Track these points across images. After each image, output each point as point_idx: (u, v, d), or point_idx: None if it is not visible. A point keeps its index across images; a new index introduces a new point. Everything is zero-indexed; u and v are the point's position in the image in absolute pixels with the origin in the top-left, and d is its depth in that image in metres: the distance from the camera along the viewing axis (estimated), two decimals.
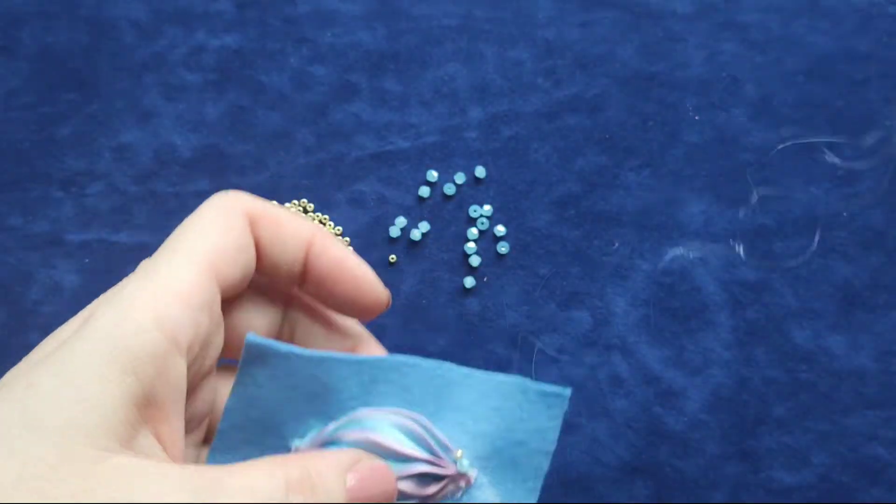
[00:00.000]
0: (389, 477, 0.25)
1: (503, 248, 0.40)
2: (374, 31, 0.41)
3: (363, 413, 0.26)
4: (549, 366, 0.39)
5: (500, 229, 0.40)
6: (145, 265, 0.26)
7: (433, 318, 0.39)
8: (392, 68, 0.41)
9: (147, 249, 0.39)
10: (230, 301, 0.28)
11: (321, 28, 0.41)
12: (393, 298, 0.40)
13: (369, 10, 0.41)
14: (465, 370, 0.27)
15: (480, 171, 0.40)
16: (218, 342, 0.26)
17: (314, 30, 0.41)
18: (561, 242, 0.40)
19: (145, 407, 0.23)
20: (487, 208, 0.40)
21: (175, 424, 0.24)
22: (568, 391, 0.25)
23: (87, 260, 0.39)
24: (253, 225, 0.28)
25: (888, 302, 0.40)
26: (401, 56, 0.41)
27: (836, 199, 0.40)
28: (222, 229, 0.26)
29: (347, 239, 0.40)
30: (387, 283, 0.40)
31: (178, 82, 0.41)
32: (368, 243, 0.40)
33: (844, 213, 0.40)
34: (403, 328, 0.39)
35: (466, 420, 0.26)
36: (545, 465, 0.26)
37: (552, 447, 0.26)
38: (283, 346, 0.26)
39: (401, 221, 0.40)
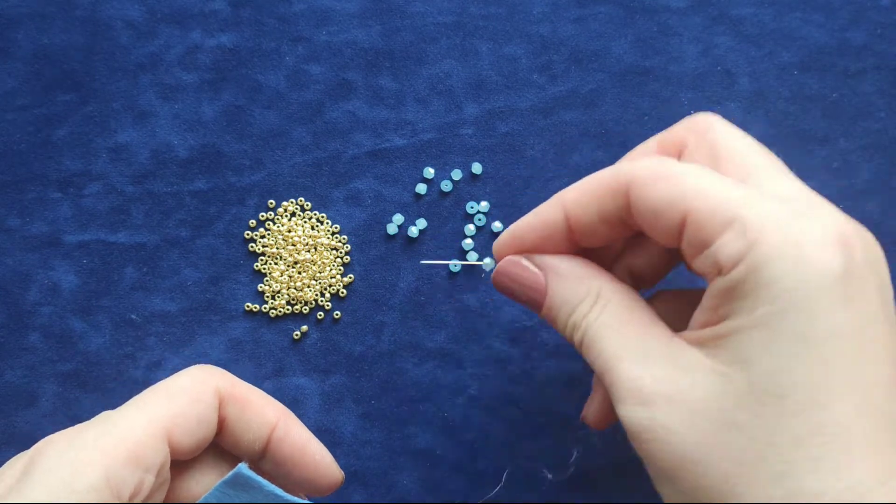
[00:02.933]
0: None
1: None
2: (369, 28, 0.41)
3: None
4: (547, 360, 0.39)
5: (498, 225, 0.40)
6: (106, 417, 0.28)
7: (431, 315, 0.40)
8: (388, 66, 0.41)
9: (145, 249, 0.39)
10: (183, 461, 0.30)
11: (316, 26, 0.41)
12: (390, 295, 0.40)
13: (364, 8, 0.41)
14: None
15: (477, 168, 0.40)
16: (159, 496, 0.28)
17: (309, 28, 0.41)
18: None
19: None
20: (484, 204, 0.40)
21: None
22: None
23: (85, 261, 0.39)
24: (221, 402, 0.30)
25: None
26: (396, 53, 0.41)
27: (832, 192, 0.40)
28: (189, 400, 0.29)
29: (345, 237, 0.40)
30: (384, 280, 0.40)
31: (174, 82, 0.41)
32: (366, 241, 0.40)
33: (840, 206, 0.40)
34: (401, 325, 0.39)
35: None
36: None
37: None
38: (268, 485, 0.29)
39: (398, 219, 0.40)
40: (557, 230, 0.29)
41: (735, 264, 0.24)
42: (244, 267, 0.40)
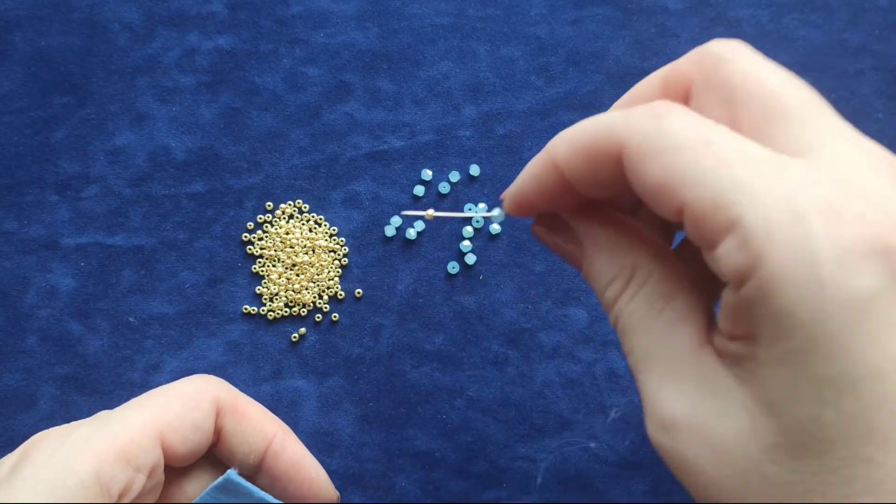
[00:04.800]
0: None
1: (499, 245, 0.40)
2: (366, 30, 0.41)
3: None
4: (545, 362, 0.39)
5: (496, 227, 0.40)
6: (101, 416, 0.28)
7: (429, 317, 0.39)
8: (385, 68, 0.41)
9: (143, 252, 0.39)
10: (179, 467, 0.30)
11: (314, 28, 0.41)
12: (388, 298, 0.40)
13: (362, 10, 0.41)
14: None
15: (475, 170, 0.40)
16: (151, 498, 0.28)
17: (307, 30, 0.41)
18: None
19: None
20: (482, 206, 0.40)
21: None
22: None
23: (82, 263, 0.39)
24: (220, 412, 0.30)
25: None
26: (394, 55, 0.41)
27: None
28: (186, 407, 0.29)
29: (343, 239, 0.40)
30: (383, 282, 0.40)
31: (172, 84, 0.41)
32: (364, 243, 0.40)
33: None
34: (399, 327, 0.39)
35: None
36: None
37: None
38: (257, 491, 0.30)
39: (396, 221, 0.40)
40: (559, 188, 0.25)
41: (742, 281, 0.20)
42: (242, 269, 0.40)
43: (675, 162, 0.21)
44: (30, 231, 0.40)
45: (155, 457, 0.27)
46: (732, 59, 0.23)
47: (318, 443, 0.38)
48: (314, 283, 0.40)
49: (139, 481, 0.27)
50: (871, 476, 0.19)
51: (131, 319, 0.39)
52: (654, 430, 0.22)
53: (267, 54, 0.41)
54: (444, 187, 0.40)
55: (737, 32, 0.41)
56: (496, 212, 0.29)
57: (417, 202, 0.40)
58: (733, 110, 0.22)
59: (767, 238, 0.19)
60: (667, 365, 0.22)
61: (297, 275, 0.40)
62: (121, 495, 0.26)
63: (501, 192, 0.40)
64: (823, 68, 0.41)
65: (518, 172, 0.40)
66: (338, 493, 0.32)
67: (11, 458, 0.27)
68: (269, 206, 0.40)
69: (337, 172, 0.40)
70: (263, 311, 0.39)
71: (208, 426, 0.29)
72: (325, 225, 0.40)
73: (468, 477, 0.38)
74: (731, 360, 0.21)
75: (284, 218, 0.40)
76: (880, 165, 0.21)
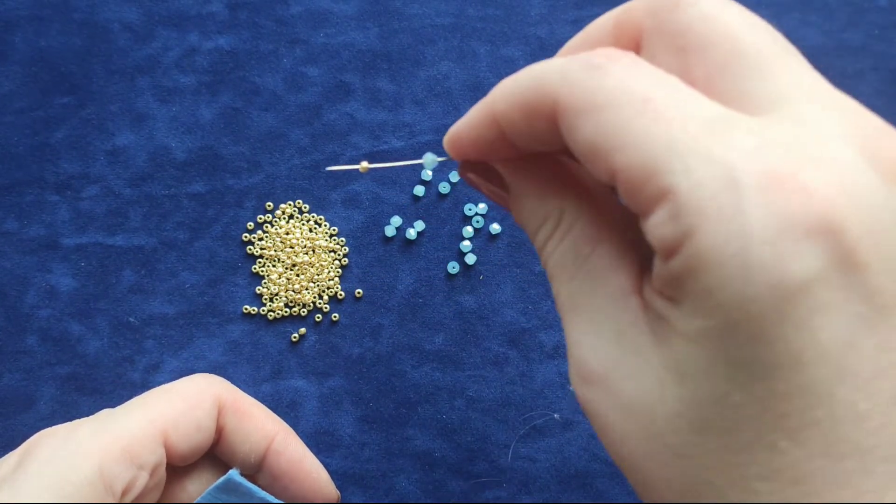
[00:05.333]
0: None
1: (499, 245, 0.40)
2: (366, 30, 0.41)
3: None
4: (546, 362, 0.39)
5: (496, 227, 0.40)
6: (104, 414, 0.28)
7: (429, 317, 0.39)
8: (385, 68, 0.41)
9: (142, 252, 0.39)
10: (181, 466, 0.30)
11: (314, 28, 0.41)
12: (388, 297, 0.40)
13: (362, 10, 0.41)
14: None
15: None
16: (153, 497, 0.28)
17: (307, 30, 0.41)
18: None
19: None
20: (482, 206, 0.40)
21: None
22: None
23: (82, 263, 0.39)
24: (221, 411, 0.30)
25: None
26: (394, 55, 0.41)
27: None
28: (188, 406, 0.29)
29: (343, 239, 0.40)
30: (383, 282, 0.40)
31: (172, 84, 0.41)
32: (364, 243, 0.40)
33: None
34: (399, 327, 0.39)
35: None
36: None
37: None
38: (259, 491, 0.30)
39: (396, 221, 0.40)
40: (498, 140, 0.23)
41: (670, 253, 0.18)
42: (242, 269, 0.40)
43: (606, 121, 0.19)
44: (30, 231, 0.40)
45: (158, 455, 0.27)
46: (689, 3, 0.20)
47: (318, 443, 0.38)
48: (314, 283, 0.40)
49: (142, 479, 0.27)
50: (772, 463, 0.18)
51: (131, 319, 0.39)
52: (575, 381, 0.22)
53: (267, 54, 0.41)
54: (444, 187, 0.40)
55: None
56: (427, 158, 0.27)
57: (417, 202, 0.40)
58: (687, 59, 0.20)
59: (698, 211, 0.17)
60: (589, 315, 0.21)
61: (297, 275, 0.40)
62: (123, 493, 0.26)
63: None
64: (823, 68, 0.41)
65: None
66: (338, 493, 0.32)
67: (14, 455, 0.27)
68: (269, 206, 0.40)
69: (337, 172, 0.40)
70: (263, 311, 0.39)
71: (210, 425, 0.29)
72: (325, 225, 0.40)
73: (468, 477, 0.38)
74: (654, 317, 0.20)
75: (284, 218, 0.40)
76: (849, 128, 0.19)
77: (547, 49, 0.41)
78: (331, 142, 0.41)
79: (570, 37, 0.42)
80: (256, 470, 0.31)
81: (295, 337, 0.39)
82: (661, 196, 0.18)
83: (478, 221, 0.40)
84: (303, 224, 0.40)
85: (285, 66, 0.41)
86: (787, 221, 0.17)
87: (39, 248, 0.39)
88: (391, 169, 0.40)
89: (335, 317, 0.39)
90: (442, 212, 0.40)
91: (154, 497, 0.29)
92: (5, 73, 0.40)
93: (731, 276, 0.17)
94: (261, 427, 0.30)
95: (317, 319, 0.39)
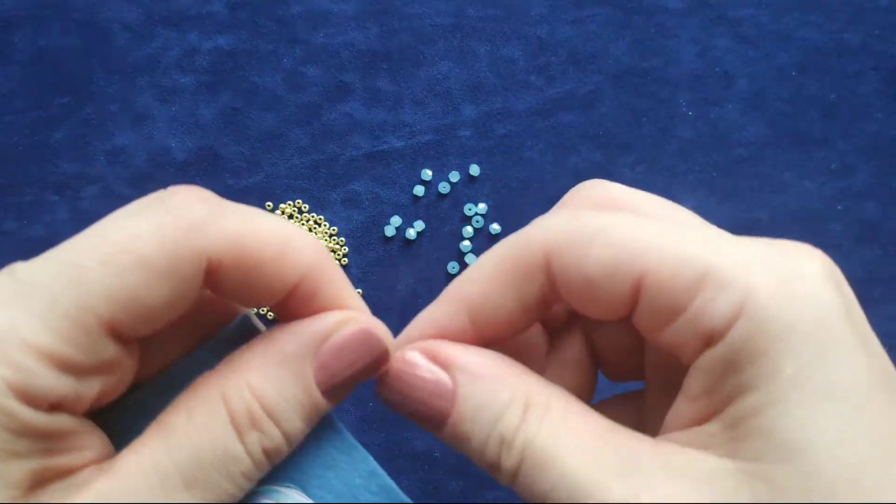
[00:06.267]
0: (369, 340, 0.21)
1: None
2: (366, 30, 0.41)
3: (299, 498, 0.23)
4: None
5: (496, 227, 0.40)
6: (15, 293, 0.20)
7: None
8: (385, 67, 0.41)
9: None
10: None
11: (314, 28, 0.41)
12: (388, 297, 0.40)
13: (361, 10, 0.41)
14: None
15: (475, 170, 0.40)
16: (122, 382, 0.21)
17: (306, 30, 0.41)
18: None
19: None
20: (482, 206, 0.40)
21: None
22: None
23: None
24: (212, 268, 0.21)
25: (883, 295, 0.40)
26: (394, 55, 0.41)
27: (830, 193, 0.40)
28: (149, 277, 0.19)
29: (343, 239, 0.40)
30: (383, 282, 0.40)
31: (172, 84, 0.41)
32: (364, 243, 0.40)
33: (839, 207, 0.40)
34: (399, 327, 0.39)
35: None
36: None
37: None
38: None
39: (396, 220, 0.40)
40: (460, 335, 0.22)
41: (729, 326, 0.18)
42: None
43: (622, 237, 0.20)
44: (29, 231, 0.39)
45: (98, 350, 0.19)
46: (601, 187, 0.23)
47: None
48: None
49: (87, 389, 0.20)
50: None
51: None
52: None
53: (267, 54, 0.41)
54: (443, 187, 0.40)
55: (737, 32, 0.41)
56: None
57: (417, 202, 0.40)
58: None
59: (746, 275, 0.19)
60: (630, 470, 0.19)
61: None
62: (55, 404, 0.19)
63: (501, 192, 0.40)
64: (823, 68, 0.41)
65: (518, 172, 0.41)
66: (387, 347, 0.23)
67: None
68: (269, 206, 0.40)
69: (337, 172, 0.40)
70: (263, 310, 0.39)
71: (186, 293, 0.20)
72: (325, 225, 0.40)
73: (468, 477, 0.38)
74: (703, 445, 0.19)
75: (284, 218, 0.40)
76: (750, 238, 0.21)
77: (547, 49, 0.41)
78: (330, 141, 0.41)
79: (570, 37, 0.42)
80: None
81: None
82: (701, 276, 0.19)
83: (478, 221, 0.40)
84: (302, 224, 0.40)
85: (285, 66, 0.41)
86: (810, 267, 0.20)
87: (39, 248, 0.39)
88: (391, 168, 0.40)
89: None
90: (442, 212, 0.40)
91: (123, 377, 0.21)
92: (5, 72, 0.40)
93: (803, 309, 0.18)
94: (276, 275, 0.21)
95: None
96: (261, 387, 0.20)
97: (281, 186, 0.40)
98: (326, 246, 0.40)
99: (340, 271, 0.23)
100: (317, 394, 0.21)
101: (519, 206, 0.40)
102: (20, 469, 0.19)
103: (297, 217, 0.40)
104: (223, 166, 0.40)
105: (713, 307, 0.19)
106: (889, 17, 0.41)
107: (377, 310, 0.39)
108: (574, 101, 0.41)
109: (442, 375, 0.22)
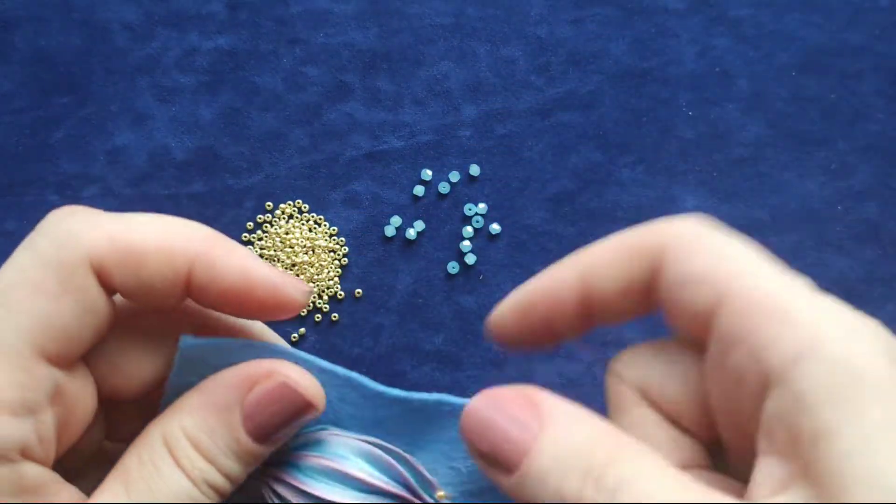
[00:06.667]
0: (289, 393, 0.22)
1: (498, 245, 0.40)
2: (366, 30, 0.41)
3: (329, 436, 0.24)
4: (545, 363, 0.39)
5: (496, 227, 0.40)
6: None
7: (429, 317, 0.39)
8: (385, 67, 0.41)
9: None
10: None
11: (314, 28, 0.41)
12: (388, 297, 0.40)
13: (361, 10, 0.41)
14: (445, 404, 0.24)
15: (475, 170, 0.40)
16: (82, 411, 0.22)
17: (307, 30, 0.41)
18: (556, 239, 0.40)
19: None
20: (482, 206, 0.40)
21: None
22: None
23: None
24: (102, 271, 0.21)
25: (884, 295, 0.40)
26: (394, 55, 0.41)
27: (831, 193, 0.40)
28: (56, 292, 0.20)
29: (343, 239, 0.40)
30: (382, 282, 0.40)
31: (172, 84, 0.41)
32: (364, 243, 0.40)
33: (839, 207, 0.40)
34: (399, 327, 0.39)
35: (451, 452, 0.24)
36: None
37: None
38: (240, 340, 0.24)
39: (396, 220, 0.40)
40: (569, 301, 0.23)
41: (796, 364, 0.18)
42: None
43: (718, 253, 0.20)
44: (30, 231, 0.39)
45: (43, 384, 0.20)
46: (705, 238, 0.22)
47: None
48: (314, 283, 0.40)
49: (29, 428, 0.20)
50: None
51: None
52: None
53: (267, 54, 0.41)
54: (443, 187, 0.40)
55: (737, 32, 0.41)
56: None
57: (417, 202, 0.40)
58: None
59: (818, 324, 0.19)
60: None
61: (297, 275, 0.40)
62: (37, 444, 0.20)
63: (501, 192, 0.40)
64: (824, 68, 0.41)
65: (518, 172, 0.41)
66: (309, 287, 0.24)
67: None
68: (268, 206, 0.40)
69: (337, 172, 0.40)
70: (296, 335, 0.39)
71: (98, 306, 0.21)
72: (325, 225, 0.40)
73: None
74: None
75: (284, 218, 0.40)
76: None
77: (547, 49, 0.41)
78: (330, 141, 0.41)
79: (570, 36, 0.42)
80: (182, 299, 0.23)
81: (295, 337, 0.39)
82: (781, 316, 0.19)
83: (478, 221, 0.40)
84: (302, 224, 0.40)
85: (285, 66, 0.41)
86: (875, 342, 0.19)
87: None
88: (391, 168, 0.40)
89: (335, 317, 0.39)
90: (442, 212, 0.40)
91: (85, 408, 0.22)
92: (5, 72, 0.40)
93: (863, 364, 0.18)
94: (165, 266, 0.21)
95: (316, 319, 0.39)
96: (194, 435, 0.22)
97: (281, 186, 0.40)
98: (326, 246, 0.40)
99: (238, 246, 0.23)
100: (247, 440, 0.22)
101: (519, 206, 0.40)
102: None
103: (297, 217, 0.40)
104: (223, 166, 0.40)
105: (780, 348, 0.18)
106: (889, 17, 0.41)
107: (377, 310, 0.39)
108: (574, 101, 0.41)
109: (529, 419, 0.21)
